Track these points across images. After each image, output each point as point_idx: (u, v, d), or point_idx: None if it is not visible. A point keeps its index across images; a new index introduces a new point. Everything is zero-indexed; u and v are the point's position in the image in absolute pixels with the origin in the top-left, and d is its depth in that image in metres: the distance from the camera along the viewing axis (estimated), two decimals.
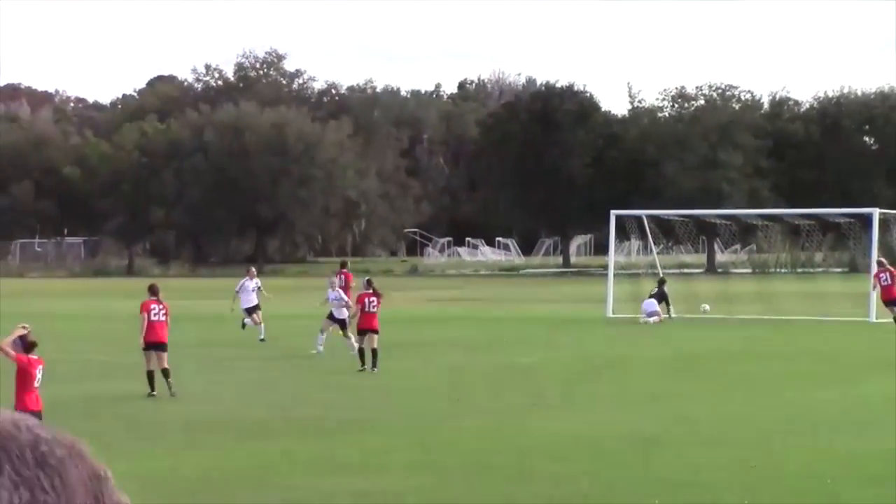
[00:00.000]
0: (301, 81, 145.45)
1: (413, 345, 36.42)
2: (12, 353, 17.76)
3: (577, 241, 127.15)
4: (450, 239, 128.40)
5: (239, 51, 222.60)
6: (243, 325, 39.03)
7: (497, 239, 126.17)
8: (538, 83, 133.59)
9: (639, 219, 55.38)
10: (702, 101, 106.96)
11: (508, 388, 25.91)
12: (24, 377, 17.71)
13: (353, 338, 31.24)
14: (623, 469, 16.75)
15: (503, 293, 70.09)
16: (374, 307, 29.97)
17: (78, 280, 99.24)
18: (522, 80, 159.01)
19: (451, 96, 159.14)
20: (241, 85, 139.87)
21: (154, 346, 25.28)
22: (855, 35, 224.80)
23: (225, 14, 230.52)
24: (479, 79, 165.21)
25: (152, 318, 25.34)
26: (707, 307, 47.69)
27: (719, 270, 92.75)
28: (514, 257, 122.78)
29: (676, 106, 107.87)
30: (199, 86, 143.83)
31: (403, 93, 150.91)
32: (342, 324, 33.20)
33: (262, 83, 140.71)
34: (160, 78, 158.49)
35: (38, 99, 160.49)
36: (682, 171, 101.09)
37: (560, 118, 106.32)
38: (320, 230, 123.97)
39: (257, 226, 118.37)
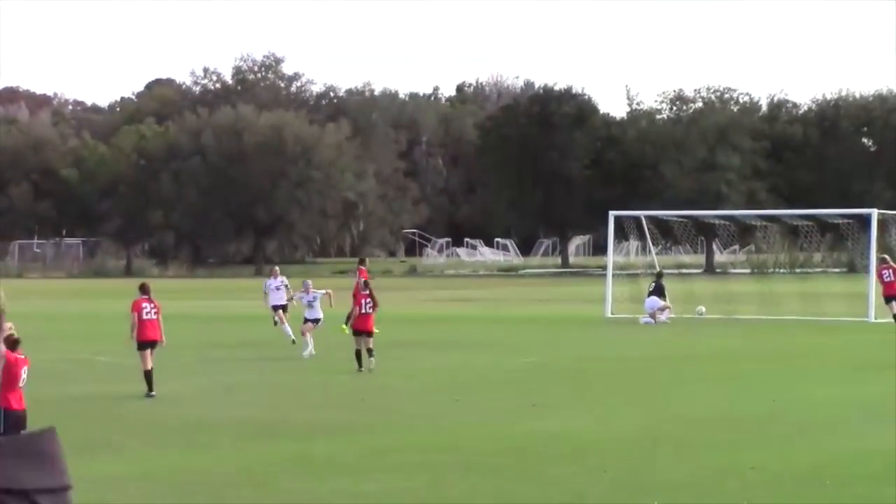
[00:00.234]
0: (299, 84, 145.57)
1: (413, 345, 36.43)
2: (2, 347, 17.65)
3: (576, 242, 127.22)
4: (448, 240, 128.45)
5: (237, 54, 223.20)
6: (275, 323, 38.83)
7: (496, 239, 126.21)
8: (536, 86, 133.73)
9: (637, 219, 55.38)
10: (700, 104, 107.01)
11: (508, 389, 25.90)
12: (9, 376, 17.63)
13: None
14: (623, 469, 16.75)
15: (502, 293, 70.10)
16: (369, 308, 29.94)
17: (77, 281, 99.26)
18: (521, 83, 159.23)
19: (450, 99, 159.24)
20: (239, 88, 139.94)
21: (149, 344, 25.32)
22: (853, 37, 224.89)
23: (223, 17, 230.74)
24: (477, 81, 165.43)
25: (144, 316, 25.38)
26: (702, 309, 47.55)
27: (718, 271, 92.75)
28: (513, 258, 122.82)
29: (675, 108, 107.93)
30: (198, 89, 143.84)
31: (402, 95, 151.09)
32: (316, 322, 33.17)
33: (260, 86, 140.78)
34: (158, 81, 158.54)
35: (37, 102, 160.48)
36: (680, 173, 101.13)
37: (558, 120, 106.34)
38: (319, 231, 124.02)
39: (255, 227, 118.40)
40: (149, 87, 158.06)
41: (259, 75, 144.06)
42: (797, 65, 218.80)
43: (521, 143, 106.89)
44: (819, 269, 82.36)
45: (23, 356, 17.73)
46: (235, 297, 67.16)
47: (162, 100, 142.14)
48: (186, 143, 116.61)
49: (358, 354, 29.52)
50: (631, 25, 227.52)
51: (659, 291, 45.77)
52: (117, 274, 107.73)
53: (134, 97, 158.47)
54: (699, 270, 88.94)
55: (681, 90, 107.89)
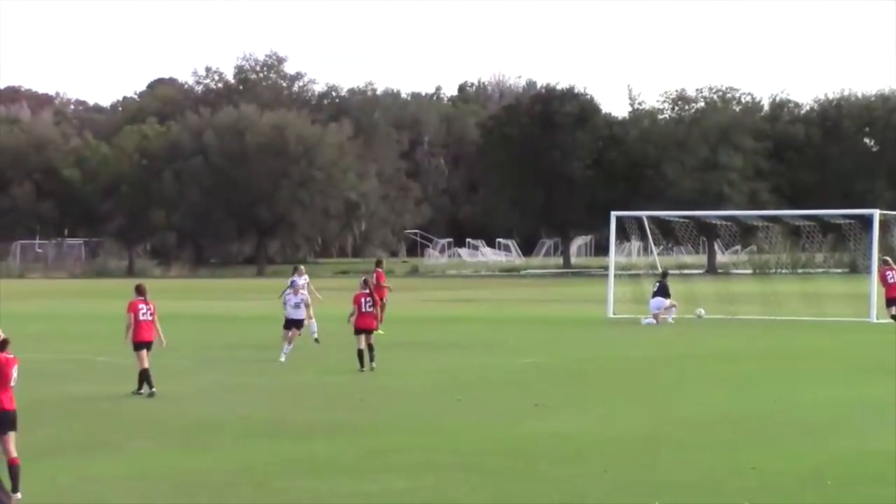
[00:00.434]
0: (301, 84, 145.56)
1: (413, 345, 36.41)
2: None
3: (578, 242, 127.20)
4: (450, 240, 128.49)
5: (239, 53, 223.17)
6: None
7: (497, 240, 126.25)
8: (538, 85, 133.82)
9: (639, 219, 55.33)
10: (702, 104, 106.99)
11: (509, 389, 25.88)
12: (0, 376, 17.53)
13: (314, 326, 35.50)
14: (623, 470, 16.73)
15: (504, 294, 70.08)
16: (369, 307, 29.96)
17: (78, 281, 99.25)
18: (523, 83, 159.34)
19: (452, 98, 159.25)
20: (241, 87, 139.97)
21: (144, 345, 25.34)
22: (855, 37, 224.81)
23: (225, 17, 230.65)
24: (479, 81, 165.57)
25: (140, 317, 25.41)
26: (702, 311, 47.39)
27: (720, 271, 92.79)
28: (515, 258, 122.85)
29: (677, 108, 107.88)
30: (200, 88, 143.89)
31: (404, 95, 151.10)
32: (299, 324, 32.93)
33: (262, 86, 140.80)
34: (160, 81, 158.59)
35: (39, 101, 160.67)
36: (682, 173, 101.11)
37: (560, 120, 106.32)
38: (321, 232, 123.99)
39: (257, 227, 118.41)
40: (151, 86, 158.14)
41: (261, 75, 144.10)
42: (799, 65, 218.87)
43: (522, 143, 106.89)
44: (821, 270, 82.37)
45: (12, 356, 17.65)
46: (237, 298, 67.20)
47: (164, 99, 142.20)
48: (188, 142, 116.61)
49: (360, 354, 29.50)
50: (633, 25, 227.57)
51: (663, 291, 45.59)
52: (119, 274, 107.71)
53: (136, 97, 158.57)
54: (701, 271, 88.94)
55: (683, 90, 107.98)
